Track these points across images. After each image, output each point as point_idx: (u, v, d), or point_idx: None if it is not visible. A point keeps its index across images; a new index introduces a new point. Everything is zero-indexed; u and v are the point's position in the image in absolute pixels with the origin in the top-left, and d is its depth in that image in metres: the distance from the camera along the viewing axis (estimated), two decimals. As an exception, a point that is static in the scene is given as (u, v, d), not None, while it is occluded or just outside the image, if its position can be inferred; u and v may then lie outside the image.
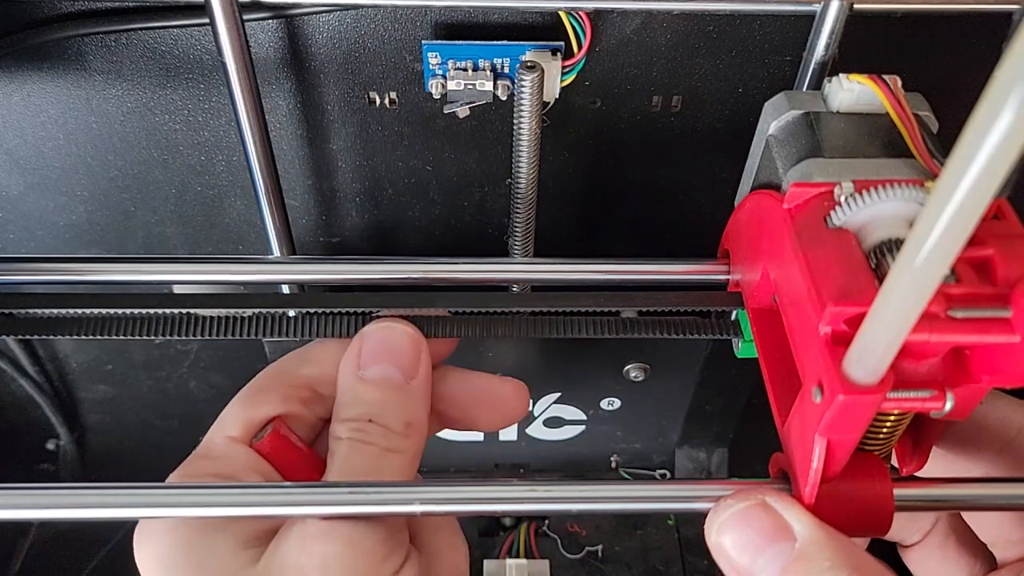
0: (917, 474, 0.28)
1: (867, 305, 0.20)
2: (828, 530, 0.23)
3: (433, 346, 0.30)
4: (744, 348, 0.32)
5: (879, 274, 0.23)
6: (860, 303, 0.21)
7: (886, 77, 0.28)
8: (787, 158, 0.28)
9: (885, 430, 0.25)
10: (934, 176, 0.26)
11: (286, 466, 0.29)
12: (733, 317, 0.33)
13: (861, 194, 0.24)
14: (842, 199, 0.24)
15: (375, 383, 0.29)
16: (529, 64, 0.37)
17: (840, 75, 0.29)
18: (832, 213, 0.24)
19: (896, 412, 0.25)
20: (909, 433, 0.27)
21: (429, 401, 0.30)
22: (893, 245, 0.23)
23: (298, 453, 0.29)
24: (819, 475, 0.23)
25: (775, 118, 0.29)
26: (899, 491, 0.25)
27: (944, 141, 0.48)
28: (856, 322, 0.21)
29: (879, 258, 0.23)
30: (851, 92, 0.28)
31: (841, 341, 0.22)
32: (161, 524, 0.27)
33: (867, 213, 0.24)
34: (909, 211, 0.24)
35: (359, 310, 0.31)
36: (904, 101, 0.28)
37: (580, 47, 0.39)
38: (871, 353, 0.20)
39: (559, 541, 0.62)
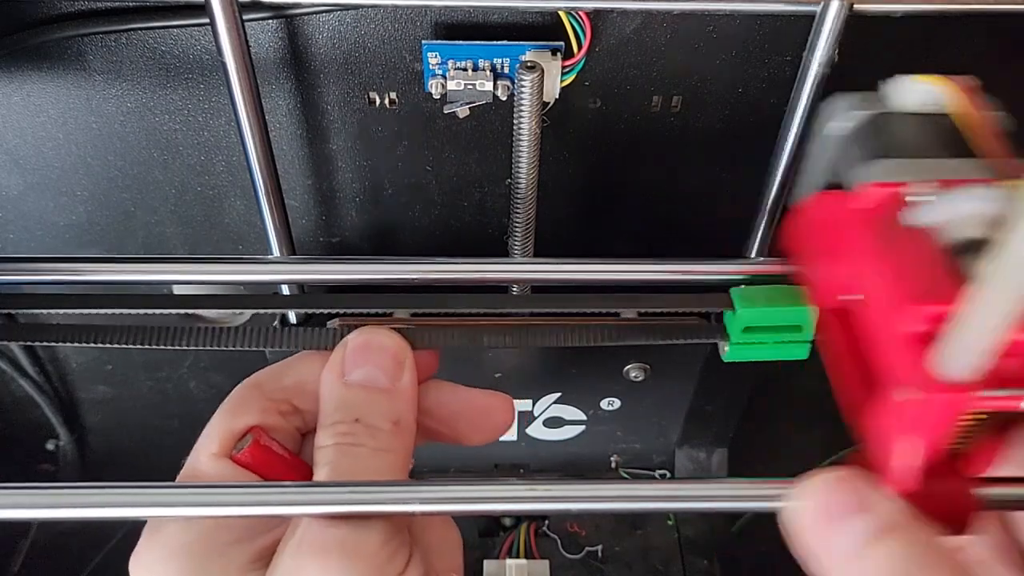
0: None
1: (950, 303, 0.20)
2: (913, 512, 0.23)
3: (420, 361, 0.30)
4: (731, 352, 0.32)
5: (958, 273, 0.23)
6: (943, 301, 0.21)
7: (957, 78, 0.28)
8: (855, 158, 0.28)
9: (968, 428, 0.25)
10: (1008, 175, 0.26)
11: (272, 475, 0.29)
12: (719, 320, 0.33)
13: (937, 193, 0.24)
14: (917, 199, 0.24)
15: (359, 385, 0.28)
16: (529, 64, 0.37)
17: (906, 75, 0.29)
18: (908, 212, 0.24)
19: (982, 411, 0.25)
20: (983, 431, 0.27)
21: (416, 404, 0.30)
22: (971, 244, 0.23)
23: (282, 461, 0.29)
24: (902, 474, 0.23)
25: (833, 118, 0.29)
26: (980, 490, 0.25)
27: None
28: (939, 320, 0.21)
29: (958, 257, 0.23)
30: (918, 92, 0.28)
31: (925, 340, 0.22)
32: (159, 551, 0.26)
33: (944, 212, 0.24)
34: (986, 210, 0.24)
35: (358, 310, 0.31)
36: (976, 101, 0.28)
37: (580, 47, 0.39)
38: (961, 352, 0.20)
39: (559, 541, 0.62)
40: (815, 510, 0.24)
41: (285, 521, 0.27)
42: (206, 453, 0.28)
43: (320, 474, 0.27)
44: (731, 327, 0.31)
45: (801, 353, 0.32)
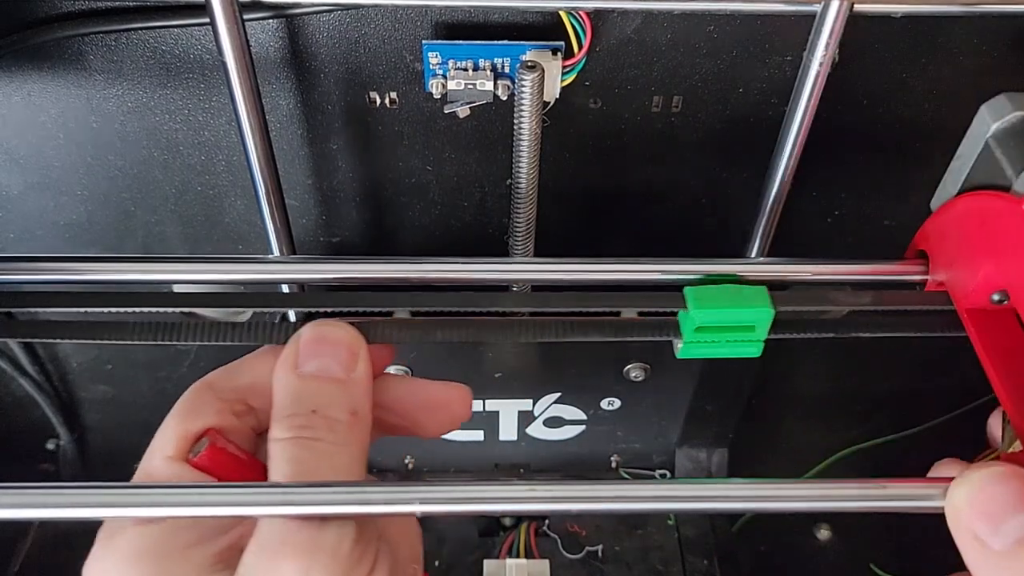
0: None
1: None
2: None
3: (374, 355, 0.30)
4: (684, 349, 0.32)
5: None
6: None
7: None
8: (1018, 159, 0.27)
9: None
10: None
11: (229, 477, 0.28)
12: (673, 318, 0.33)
13: None
14: None
15: (314, 376, 0.28)
16: (529, 64, 0.37)
17: None
18: None
19: None
20: None
21: (371, 395, 0.29)
22: None
23: (239, 462, 0.29)
24: None
25: (996, 119, 0.29)
26: None
27: (944, 141, 0.47)
28: None
29: None
30: None
31: None
32: (114, 558, 0.26)
33: None
34: None
35: (358, 310, 0.31)
36: None
37: (580, 47, 0.39)
38: None
39: (559, 541, 0.62)
40: (977, 503, 0.24)
41: (245, 521, 0.26)
42: (161, 456, 0.28)
43: (277, 469, 0.26)
44: (684, 326, 0.31)
45: (754, 351, 0.31)
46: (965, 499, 0.24)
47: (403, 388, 0.32)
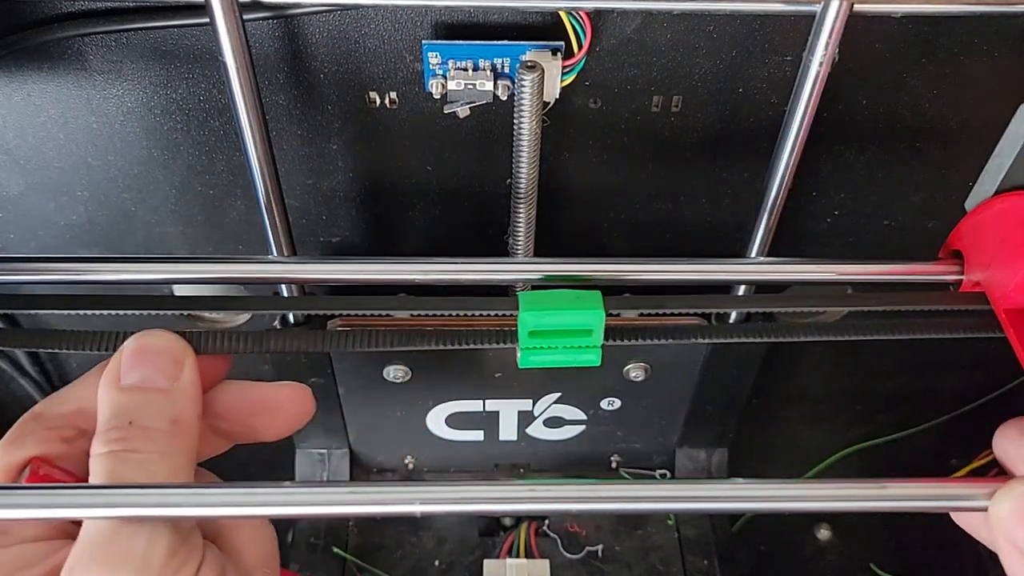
0: None
1: None
2: None
3: (208, 365, 0.30)
4: (523, 357, 0.31)
5: None
6: None
7: None
8: None
9: None
10: None
11: None
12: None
13: None
14: None
15: (135, 388, 0.28)
16: (529, 64, 0.37)
17: None
18: None
19: None
20: None
21: (198, 404, 0.29)
22: None
23: None
24: None
25: None
26: None
27: (944, 141, 0.47)
28: None
29: None
30: None
31: None
32: None
33: None
34: None
35: (359, 312, 0.31)
36: None
37: (580, 47, 0.39)
38: None
39: (559, 541, 0.62)
40: (1021, 516, 0.24)
41: (67, 548, 0.26)
42: None
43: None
44: (521, 332, 0.30)
45: (593, 359, 0.31)
46: (1009, 512, 0.25)
47: (234, 394, 0.31)
